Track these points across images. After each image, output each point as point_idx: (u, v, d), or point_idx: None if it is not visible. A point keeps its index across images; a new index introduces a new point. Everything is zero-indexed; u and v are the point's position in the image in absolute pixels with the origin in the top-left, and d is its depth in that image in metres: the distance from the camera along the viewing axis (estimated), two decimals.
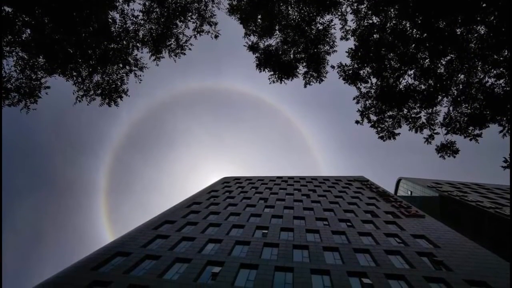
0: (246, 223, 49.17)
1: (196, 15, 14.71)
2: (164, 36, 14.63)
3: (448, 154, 14.12)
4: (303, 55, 14.87)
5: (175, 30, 14.80)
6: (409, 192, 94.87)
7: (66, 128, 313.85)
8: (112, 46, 14.13)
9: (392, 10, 13.26)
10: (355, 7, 14.20)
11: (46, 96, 14.27)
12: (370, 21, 13.94)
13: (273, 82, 14.96)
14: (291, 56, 15.03)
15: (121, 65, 14.71)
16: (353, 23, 14.40)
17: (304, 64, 14.97)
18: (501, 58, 12.27)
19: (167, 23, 14.48)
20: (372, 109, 15.09)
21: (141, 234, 44.09)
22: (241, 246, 40.39)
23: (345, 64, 14.66)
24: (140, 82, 15.36)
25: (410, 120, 14.68)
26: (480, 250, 38.83)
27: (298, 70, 15.01)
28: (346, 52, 14.33)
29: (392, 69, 13.86)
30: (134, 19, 14.21)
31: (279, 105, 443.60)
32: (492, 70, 12.74)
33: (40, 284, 30.18)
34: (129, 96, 15.38)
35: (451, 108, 14.06)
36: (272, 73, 14.87)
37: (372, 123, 15.26)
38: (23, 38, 12.65)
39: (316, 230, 46.00)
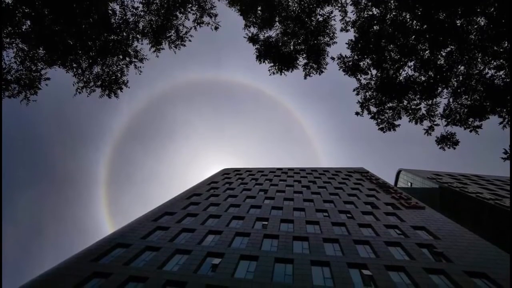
0: (246, 214, 49.41)
1: (196, 6, 14.66)
2: (164, 27, 14.60)
3: (448, 146, 14.18)
4: (303, 47, 14.85)
5: (175, 22, 14.76)
6: (409, 184, 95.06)
7: (66, 119, 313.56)
8: (112, 37, 14.11)
9: (392, 1, 13.23)
10: None
11: (46, 88, 14.30)
12: (370, 13, 13.91)
13: (273, 73, 14.98)
14: (291, 47, 15.01)
15: (121, 57, 14.69)
16: (353, 14, 14.38)
17: (304, 55, 14.95)
18: (501, 50, 12.26)
19: (167, 15, 14.43)
20: (372, 100, 15.13)
21: (141, 226, 44.33)
22: (241, 238, 40.60)
23: (345, 55, 14.67)
24: (140, 74, 15.36)
25: (410, 111, 14.72)
26: (480, 241, 39.02)
27: (298, 62, 15.00)
28: (346, 43, 14.33)
29: (392, 60, 13.86)
30: (134, 10, 14.17)
31: (279, 97, 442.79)
32: (492, 62, 12.74)
33: (40, 276, 30.43)
34: (129, 87, 15.40)
35: (451, 100, 14.09)
36: (272, 64, 14.87)
37: (372, 114, 15.32)
38: (23, 29, 12.64)
39: (316, 221, 46.20)
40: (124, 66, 14.97)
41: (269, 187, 69.47)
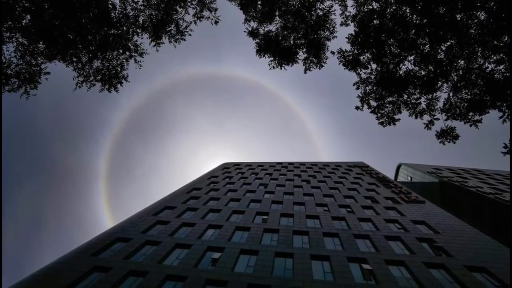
0: (246, 209, 49.55)
1: (196, 0, 14.63)
2: (164, 22, 14.58)
3: (448, 140, 14.20)
4: (303, 41, 14.84)
5: (175, 16, 14.73)
6: (409, 178, 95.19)
7: (66, 114, 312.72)
8: (112, 32, 14.11)
9: None
10: None
11: (46, 82, 14.33)
12: (370, 7, 13.88)
13: (273, 68, 14.98)
14: (291, 42, 15.01)
15: (121, 51, 14.70)
16: (353, 8, 14.35)
17: (304, 50, 14.95)
18: (501, 44, 12.25)
19: (167, 9, 14.41)
20: (372, 95, 15.15)
21: (141, 220, 44.47)
22: (241, 232, 40.75)
23: (345, 50, 14.65)
24: (140, 68, 15.39)
25: (410, 106, 14.74)
26: (480, 235, 39.12)
27: (298, 56, 15.01)
28: (346, 38, 14.30)
29: (392, 55, 13.86)
30: (134, 4, 14.14)
31: (279, 91, 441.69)
32: (492, 56, 12.74)
33: (40, 270, 30.56)
34: (129, 82, 15.43)
35: (451, 94, 14.09)
36: (272, 59, 14.87)
37: (372, 108, 15.34)
38: (23, 24, 12.64)
39: (316, 216, 46.36)
40: (124, 60, 14.99)
41: (269, 181, 69.59)
